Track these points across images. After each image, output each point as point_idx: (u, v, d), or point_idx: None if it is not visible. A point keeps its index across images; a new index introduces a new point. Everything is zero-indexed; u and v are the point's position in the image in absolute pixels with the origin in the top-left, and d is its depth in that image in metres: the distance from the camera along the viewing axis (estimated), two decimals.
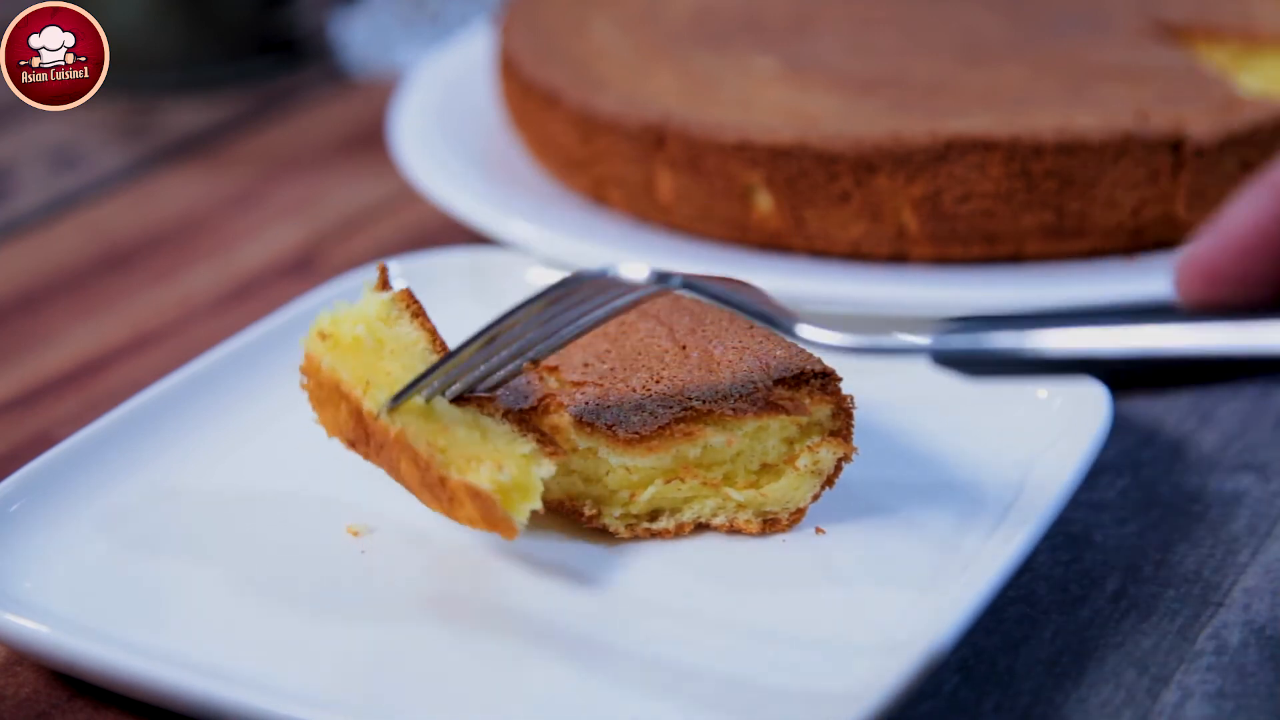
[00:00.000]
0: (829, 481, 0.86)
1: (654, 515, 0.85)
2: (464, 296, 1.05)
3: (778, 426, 0.85)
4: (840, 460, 0.86)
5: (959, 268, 1.06)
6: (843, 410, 0.85)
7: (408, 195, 1.25)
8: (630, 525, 0.85)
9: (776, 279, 1.03)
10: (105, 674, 0.77)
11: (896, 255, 1.06)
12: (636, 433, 0.83)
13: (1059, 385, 0.92)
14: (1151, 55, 1.14)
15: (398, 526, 0.87)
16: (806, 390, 0.84)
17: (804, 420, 0.85)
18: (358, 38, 1.53)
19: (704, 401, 0.84)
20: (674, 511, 0.85)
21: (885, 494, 0.88)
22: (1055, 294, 1.01)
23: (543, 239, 1.08)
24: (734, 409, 0.84)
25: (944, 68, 1.13)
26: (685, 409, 0.84)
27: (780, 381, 0.84)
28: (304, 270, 1.19)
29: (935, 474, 0.89)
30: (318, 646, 0.79)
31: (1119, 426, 0.97)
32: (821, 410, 0.85)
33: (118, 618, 0.80)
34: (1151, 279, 1.02)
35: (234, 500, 0.88)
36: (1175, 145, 1.04)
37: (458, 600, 0.83)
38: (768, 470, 0.85)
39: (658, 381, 0.86)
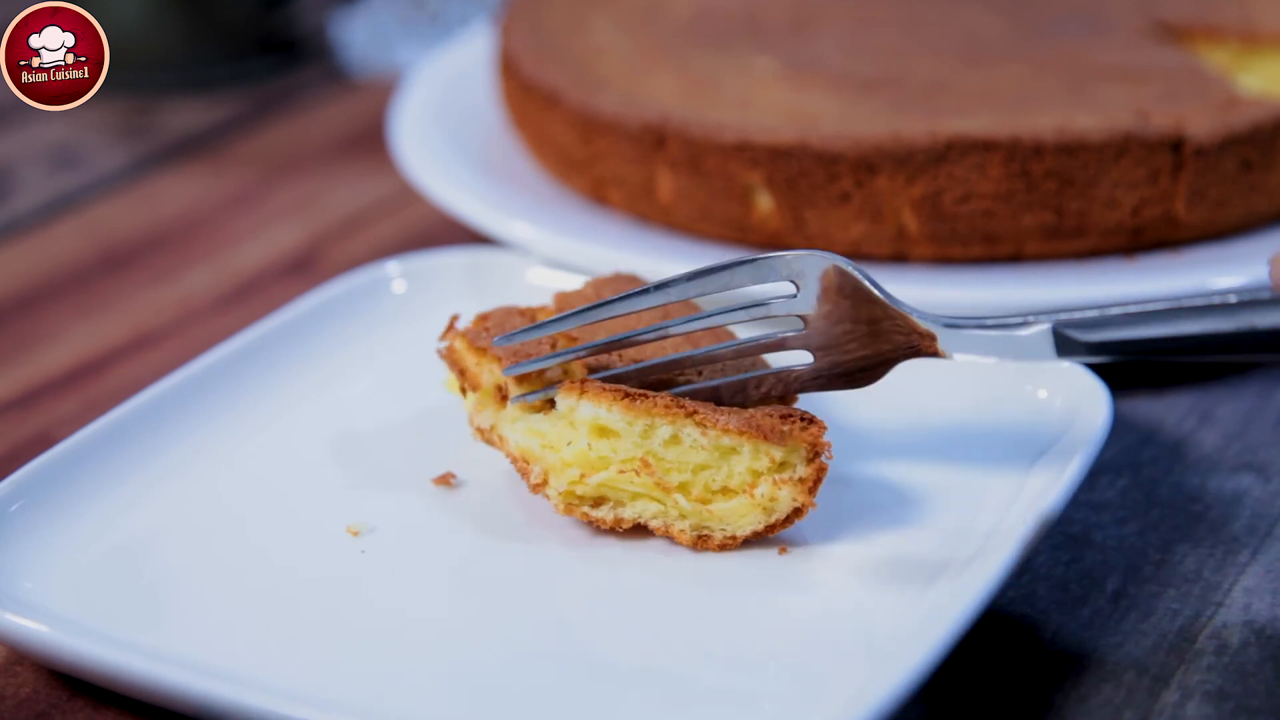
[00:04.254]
0: (774, 527, 0.84)
1: (597, 502, 0.85)
2: (464, 296, 1.05)
3: (750, 451, 0.84)
4: (796, 511, 0.84)
5: (959, 268, 1.05)
6: (816, 457, 0.84)
7: (408, 195, 1.25)
8: (570, 505, 0.85)
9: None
10: (105, 674, 0.77)
11: (896, 255, 1.06)
12: (622, 388, 0.84)
13: (1061, 385, 0.92)
14: (1151, 55, 1.14)
15: (398, 526, 0.87)
16: (790, 424, 0.83)
17: (778, 454, 0.83)
18: (358, 38, 1.53)
19: (692, 399, 0.84)
20: (617, 504, 0.85)
21: (885, 494, 0.88)
22: (1055, 294, 1.01)
23: (543, 239, 1.08)
24: (715, 418, 0.83)
25: (944, 68, 1.13)
26: (673, 400, 0.84)
27: (768, 413, 0.84)
28: (304, 270, 1.19)
29: (935, 474, 0.89)
30: (318, 647, 0.79)
31: (1119, 426, 0.97)
32: (796, 452, 0.83)
33: (118, 618, 0.80)
34: (1151, 279, 1.02)
35: (234, 500, 0.88)
36: (1175, 145, 1.04)
37: (457, 600, 0.83)
38: (726, 494, 0.84)
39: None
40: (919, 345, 0.83)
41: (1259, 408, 1.00)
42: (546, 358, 0.86)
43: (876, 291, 0.83)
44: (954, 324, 0.83)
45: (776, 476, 0.83)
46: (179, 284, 1.19)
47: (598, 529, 0.86)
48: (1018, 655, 0.81)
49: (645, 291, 0.85)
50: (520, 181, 1.18)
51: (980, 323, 0.83)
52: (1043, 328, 0.82)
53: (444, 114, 1.25)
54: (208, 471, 0.90)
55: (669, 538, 0.85)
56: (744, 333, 0.89)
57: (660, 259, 1.06)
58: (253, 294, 1.17)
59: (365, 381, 0.98)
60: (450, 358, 0.90)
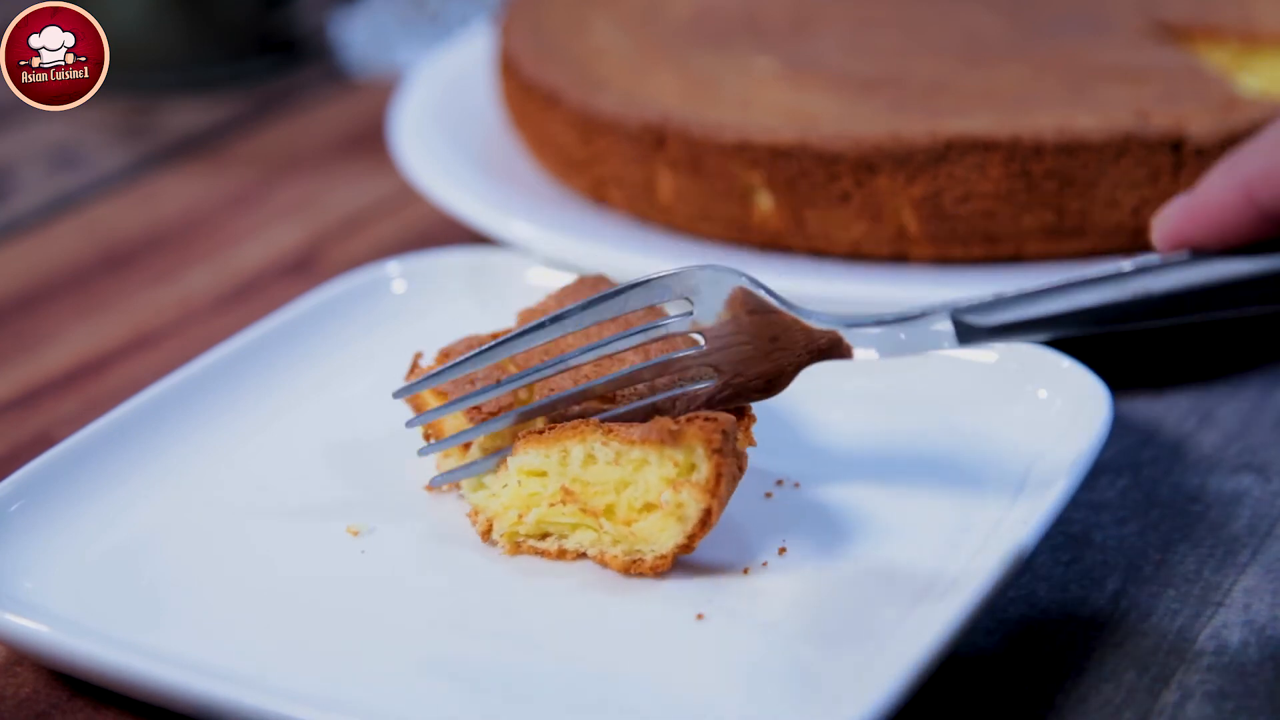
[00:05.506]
0: (694, 538, 0.81)
1: (542, 538, 0.85)
2: (464, 296, 1.05)
3: (657, 460, 0.81)
4: (706, 513, 0.81)
5: (959, 268, 1.05)
6: (714, 454, 0.80)
7: (408, 195, 1.25)
8: (516, 545, 0.85)
9: (776, 279, 1.03)
10: (105, 674, 0.77)
11: (896, 255, 1.06)
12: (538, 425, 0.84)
13: (1061, 385, 0.92)
14: (1151, 55, 1.14)
15: (398, 526, 0.87)
16: (687, 424, 0.81)
17: (679, 457, 0.81)
18: (358, 38, 1.53)
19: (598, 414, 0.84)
20: (561, 536, 0.84)
21: (884, 494, 0.88)
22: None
23: (543, 239, 1.08)
24: (621, 429, 0.82)
25: (944, 68, 1.13)
26: (583, 421, 0.83)
27: (685, 417, 0.82)
28: (304, 270, 1.20)
29: (935, 474, 0.89)
30: (318, 646, 0.79)
31: (1119, 426, 0.97)
32: (694, 452, 0.80)
33: (118, 618, 0.80)
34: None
35: (234, 500, 0.88)
36: (1175, 145, 1.04)
37: (457, 600, 0.82)
38: (648, 510, 0.83)
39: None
40: (821, 348, 0.84)
41: (1259, 408, 1.00)
42: (462, 434, 0.86)
43: (771, 300, 0.83)
44: (854, 323, 0.84)
45: (678, 480, 0.81)
46: (179, 284, 1.19)
47: None
48: (1018, 655, 0.81)
49: (540, 326, 0.84)
50: (520, 181, 1.18)
51: (879, 319, 0.83)
52: (942, 318, 0.83)
53: (444, 114, 1.25)
54: (208, 471, 0.90)
55: (605, 565, 0.84)
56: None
57: (660, 259, 1.06)
58: (253, 294, 1.17)
59: (365, 381, 0.98)
60: (414, 403, 0.89)
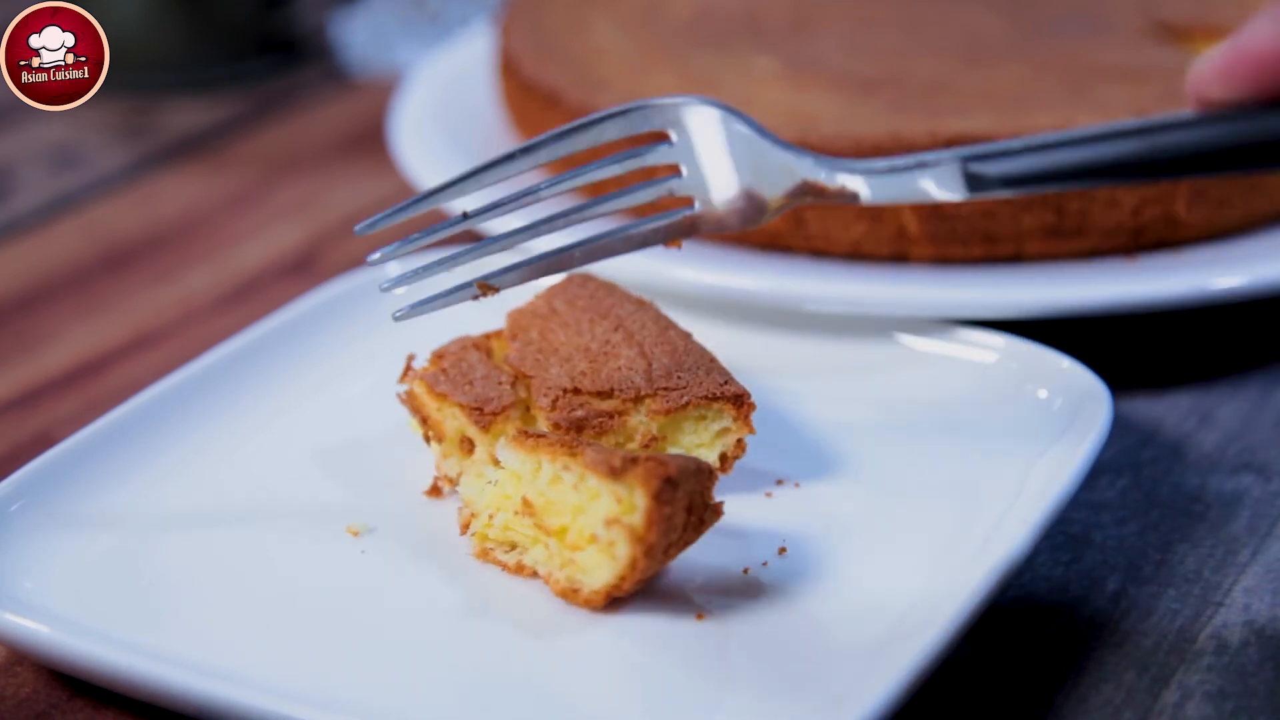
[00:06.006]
0: (625, 579, 0.79)
1: (510, 548, 0.84)
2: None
3: (608, 492, 0.79)
4: (636, 557, 0.78)
5: (959, 268, 1.05)
6: (650, 501, 0.77)
7: (407, 195, 1.25)
8: (484, 550, 0.84)
9: (777, 279, 1.03)
10: (105, 674, 0.77)
11: (896, 255, 1.06)
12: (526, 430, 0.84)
13: (1061, 385, 0.92)
14: (1151, 55, 1.14)
15: (398, 526, 0.87)
16: (633, 463, 0.79)
17: (623, 493, 0.78)
18: (358, 38, 1.53)
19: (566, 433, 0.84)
20: (522, 550, 0.83)
21: (885, 494, 0.88)
22: (1055, 294, 1.01)
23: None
24: (585, 453, 0.80)
25: (944, 68, 1.13)
26: (560, 440, 0.83)
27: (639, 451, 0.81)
28: (304, 270, 1.20)
29: (935, 474, 0.89)
30: (318, 647, 0.79)
31: (1119, 426, 0.97)
32: (635, 492, 0.78)
33: (118, 618, 0.80)
34: (1152, 279, 1.02)
35: (234, 500, 0.88)
36: None
37: (457, 600, 0.82)
38: (593, 541, 0.80)
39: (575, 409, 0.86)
40: (811, 190, 0.80)
41: (1259, 408, 1.00)
42: (431, 265, 0.85)
43: (753, 131, 0.80)
44: (852, 168, 0.81)
45: (616, 518, 0.78)
46: (179, 284, 1.19)
47: None
48: (1018, 655, 0.82)
49: (511, 156, 0.82)
50: (520, 181, 1.17)
51: (886, 165, 0.80)
52: (951, 166, 0.79)
53: (444, 114, 1.25)
54: (208, 472, 0.90)
55: (548, 586, 0.82)
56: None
57: (660, 259, 1.05)
58: (253, 294, 1.17)
59: (365, 382, 0.98)
60: (411, 404, 0.89)
